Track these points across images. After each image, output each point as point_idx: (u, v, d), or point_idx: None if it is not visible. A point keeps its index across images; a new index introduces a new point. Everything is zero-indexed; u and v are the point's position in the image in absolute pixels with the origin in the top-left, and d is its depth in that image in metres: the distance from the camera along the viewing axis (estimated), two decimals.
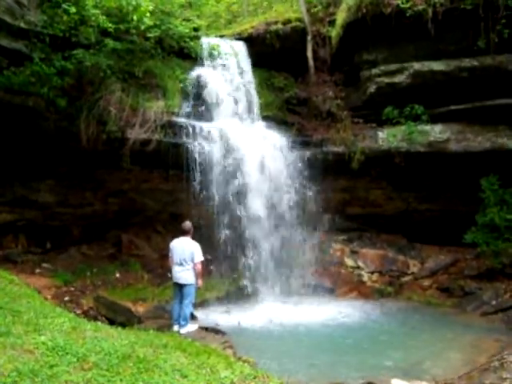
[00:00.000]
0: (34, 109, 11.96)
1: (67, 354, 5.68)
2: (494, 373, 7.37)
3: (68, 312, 8.95)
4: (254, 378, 6.05)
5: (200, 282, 9.74)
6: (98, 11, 12.17)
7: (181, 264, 9.64)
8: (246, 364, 7.03)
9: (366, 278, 14.97)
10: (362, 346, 10.00)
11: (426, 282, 14.67)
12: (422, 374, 8.26)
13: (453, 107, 14.12)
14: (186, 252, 9.62)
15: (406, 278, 14.92)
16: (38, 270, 13.17)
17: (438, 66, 13.85)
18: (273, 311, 12.39)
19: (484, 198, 13.68)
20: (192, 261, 9.56)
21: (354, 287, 14.81)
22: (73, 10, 11.76)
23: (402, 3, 13.32)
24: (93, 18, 12.10)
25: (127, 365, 5.64)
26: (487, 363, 8.09)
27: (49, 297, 11.17)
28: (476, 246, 13.76)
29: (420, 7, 13.20)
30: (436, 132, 14.34)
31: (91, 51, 12.23)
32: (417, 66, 14.05)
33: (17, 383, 4.76)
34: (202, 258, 9.72)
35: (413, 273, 15.00)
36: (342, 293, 14.60)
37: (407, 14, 13.23)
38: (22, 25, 11.47)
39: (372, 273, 15.04)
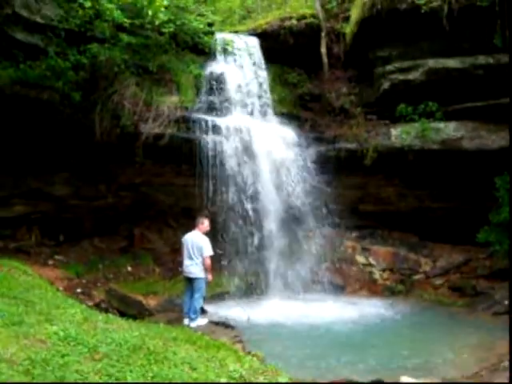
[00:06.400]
0: (49, 102, 12.07)
1: (78, 344, 5.74)
2: (505, 372, 7.33)
3: (80, 303, 9.05)
4: (263, 372, 6.08)
5: (210, 276, 9.78)
6: (112, 6, 12.24)
7: (190, 258, 9.70)
8: (254, 358, 7.06)
9: (377, 275, 14.91)
10: (371, 343, 9.95)
11: (438, 281, 14.56)
12: (432, 372, 8.21)
13: (467, 105, 14.01)
14: (194, 246, 9.67)
15: (418, 277, 14.82)
16: (50, 262, 13.30)
17: (452, 63, 13.75)
18: (283, 307, 12.41)
19: (498, 197, 13.57)
20: (201, 255, 9.61)
21: (365, 285, 14.77)
22: (88, 4, 11.85)
23: None
24: (108, 13, 12.17)
25: (137, 356, 5.69)
26: (497, 363, 8.05)
27: (61, 288, 11.26)
28: (489, 245, 13.61)
29: (435, 4, 13.08)
30: (450, 129, 14.24)
31: (106, 46, 12.31)
32: (431, 62, 13.96)
33: (29, 371, 4.83)
34: (211, 253, 9.74)
35: (424, 271, 14.90)
36: (352, 290, 14.58)
37: (422, 11, 13.13)
38: (38, 19, 11.62)
39: (383, 270, 14.97)
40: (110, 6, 12.15)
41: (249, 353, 7.63)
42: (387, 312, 12.50)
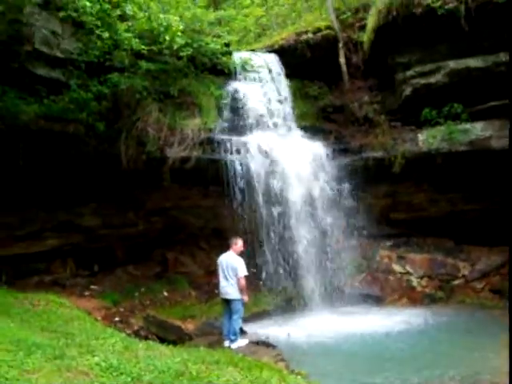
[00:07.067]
0: (74, 135, 12.16)
1: (121, 374, 5.69)
2: None
3: (119, 332, 9.03)
4: None
5: (245, 297, 9.70)
6: (130, 34, 12.40)
7: (226, 279, 9.67)
8: (299, 377, 6.95)
9: (415, 283, 14.62)
10: (417, 354, 9.70)
11: (478, 285, 14.25)
12: (480, 378, 8.04)
13: (492, 103, 13.73)
14: (229, 267, 9.63)
15: (457, 282, 14.51)
16: (86, 293, 13.34)
17: (474, 62, 13.57)
18: (322, 322, 12.22)
19: None
20: (235, 275, 9.55)
21: (404, 293, 14.49)
22: (106, 35, 12.01)
23: (433, 2, 13.12)
24: (125, 42, 12.33)
25: (181, 382, 5.61)
26: None
27: (99, 318, 11.28)
28: None
29: (451, 5, 12.96)
30: (477, 130, 13.99)
31: (126, 74, 12.43)
32: (452, 64, 13.80)
33: None
34: (246, 273, 9.68)
35: (463, 275, 14.59)
36: (391, 300, 14.32)
37: (439, 13, 13.02)
38: (58, 54, 11.79)
39: (421, 278, 14.67)
40: (127, 35, 12.30)
41: (292, 371, 7.53)
42: (429, 320, 12.21)
